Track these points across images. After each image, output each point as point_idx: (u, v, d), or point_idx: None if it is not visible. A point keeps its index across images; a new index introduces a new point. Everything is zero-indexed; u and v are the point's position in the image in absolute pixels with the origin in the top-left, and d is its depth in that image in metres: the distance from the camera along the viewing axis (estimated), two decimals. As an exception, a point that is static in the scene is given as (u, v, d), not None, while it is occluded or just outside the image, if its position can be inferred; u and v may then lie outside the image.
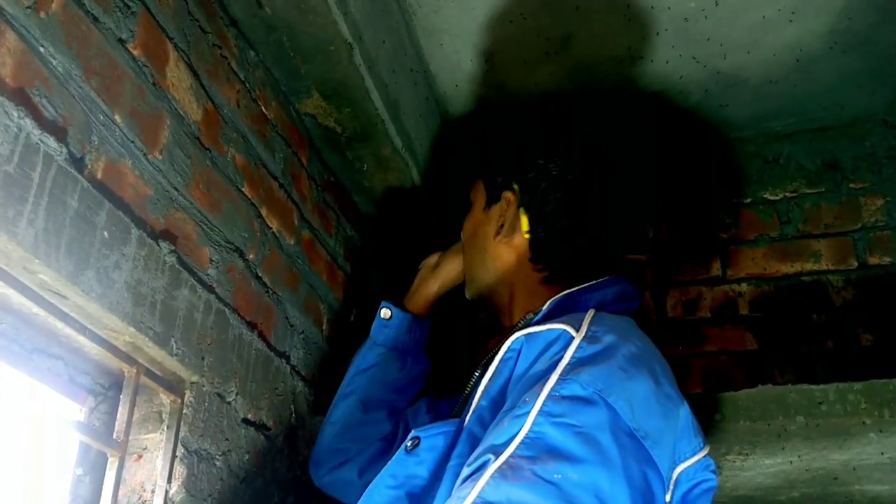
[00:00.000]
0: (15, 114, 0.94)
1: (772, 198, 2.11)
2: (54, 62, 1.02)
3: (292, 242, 1.64)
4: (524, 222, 1.37)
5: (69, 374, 1.21)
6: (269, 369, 1.51)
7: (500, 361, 1.13)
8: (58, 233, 1.00)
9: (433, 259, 1.67)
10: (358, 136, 1.76)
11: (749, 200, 2.12)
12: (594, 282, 1.30)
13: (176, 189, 1.26)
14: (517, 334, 1.13)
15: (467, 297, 1.51)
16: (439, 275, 1.63)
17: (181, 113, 1.28)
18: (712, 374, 1.96)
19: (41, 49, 1.00)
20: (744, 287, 2.03)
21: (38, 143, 0.98)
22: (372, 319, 1.61)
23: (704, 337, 2.01)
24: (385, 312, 1.59)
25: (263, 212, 1.52)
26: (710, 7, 1.76)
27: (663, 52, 1.88)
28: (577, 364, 1.03)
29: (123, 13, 1.16)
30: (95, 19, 1.10)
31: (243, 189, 1.45)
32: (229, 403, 1.37)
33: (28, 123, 0.96)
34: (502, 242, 1.39)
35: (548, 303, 1.25)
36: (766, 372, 1.90)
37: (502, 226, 1.39)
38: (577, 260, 1.35)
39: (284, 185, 1.62)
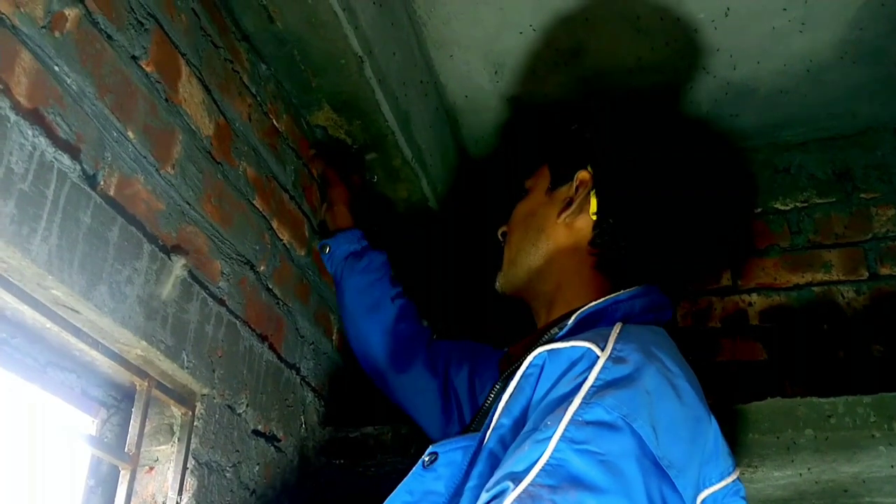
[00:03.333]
0: (30, 132, 0.96)
1: (782, 207, 2.11)
2: (68, 80, 1.04)
3: (303, 254, 1.65)
4: (593, 204, 1.35)
5: (82, 387, 1.23)
6: (279, 381, 1.52)
7: (522, 377, 1.09)
8: (71, 249, 1.01)
9: (325, 207, 1.74)
10: (368, 148, 1.77)
11: (760, 210, 2.12)
12: (624, 291, 1.27)
13: (188, 203, 1.28)
14: (540, 349, 1.09)
15: (500, 288, 1.46)
16: (336, 195, 1.72)
17: (193, 128, 1.29)
18: (722, 385, 1.96)
19: (56, 68, 1.02)
20: (754, 298, 2.03)
21: (52, 161, 0.99)
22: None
23: (715, 347, 2.01)
24: (323, 249, 1.69)
25: (274, 224, 1.54)
26: (720, 18, 1.76)
27: (672, 62, 1.89)
28: (603, 387, 1.00)
29: (137, 31, 1.17)
30: (109, 37, 1.11)
31: (254, 202, 1.47)
32: (240, 415, 1.38)
33: (42, 142, 0.98)
34: (564, 223, 1.35)
35: (573, 317, 1.22)
36: (776, 383, 1.91)
37: (569, 204, 1.36)
38: (637, 253, 1.33)
39: (295, 196, 1.63)
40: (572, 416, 0.97)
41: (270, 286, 1.52)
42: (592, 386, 1.00)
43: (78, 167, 1.04)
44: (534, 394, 1.06)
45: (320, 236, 1.72)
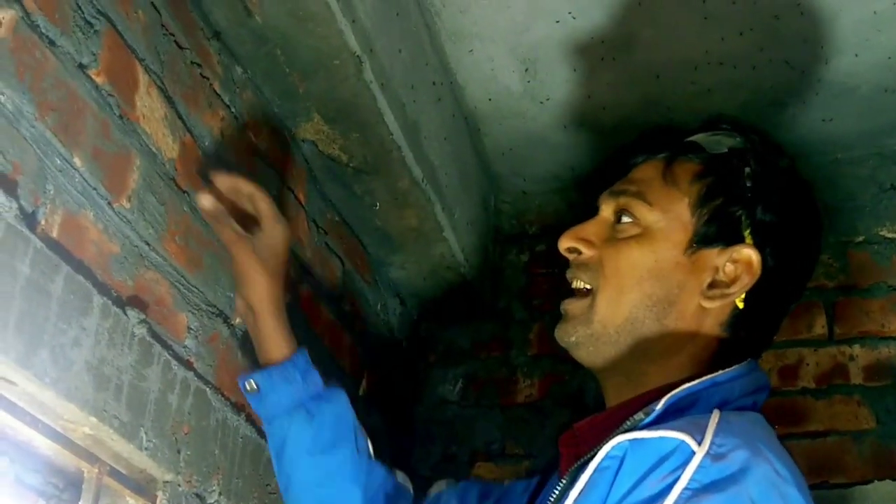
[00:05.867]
0: (-44, 166, 0.99)
1: (890, 235, 2.12)
2: (2, 98, 1.07)
3: (288, 300, 1.67)
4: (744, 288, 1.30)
5: (15, 474, 1.25)
6: (258, 461, 1.54)
7: (596, 470, 1.08)
8: (6, 307, 1.04)
9: (240, 304, 1.48)
10: (368, 167, 1.80)
11: (861, 238, 2.13)
12: (724, 372, 1.25)
13: (147, 243, 1.30)
14: (620, 438, 1.08)
15: (573, 345, 1.34)
16: (262, 304, 1.45)
17: (154, 150, 1.32)
18: (818, 462, 1.96)
19: (-13, 84, 1.05)
20: (856, 349, 2.04)
21: (-18, 199, 1.02)
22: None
23: (807, 413, 2.01)
24: (249, 385, 1.46)
25: (252, 265, 1.56)
26: (807, 2, 1.79)
27: (748, 55, 1.91)
28: (699, 490, 1.00)
29: (85, 33, 1.21)
30: (51, 43, 1.15)
31: (228, 238, 1.49)
32: (211, 506, 1.40)
33: (-29, 177, 1.01)
34: (706, 300, 1.30)
35: (663, 401, 1.19)
36: (885, 460, 1.91)
37: (721, 286, 1.29)
38: (769, 335, 1.35)
39: (278, 229, 1.66)
40: None
41: (248, 343, 1.54)
42: (686, 488, 1.01)
43: (14, 205, 1.06)
44: (610, 492, 1.06)
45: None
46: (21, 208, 1.08)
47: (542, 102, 2.03)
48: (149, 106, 1.32)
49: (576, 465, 1.20)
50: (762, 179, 1.31)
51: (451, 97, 1.99)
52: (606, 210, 1.38)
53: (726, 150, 1.34)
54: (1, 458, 1.24)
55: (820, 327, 2.08)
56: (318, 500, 1.49)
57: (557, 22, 1.85)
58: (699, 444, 1.04)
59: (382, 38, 1.64)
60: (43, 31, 1.14)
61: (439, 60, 1.91)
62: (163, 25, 1.38)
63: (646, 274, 1.30)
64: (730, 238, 1.29)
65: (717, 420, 1.09)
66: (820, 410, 2.02)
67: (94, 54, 1.22)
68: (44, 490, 1.29)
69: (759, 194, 1.30)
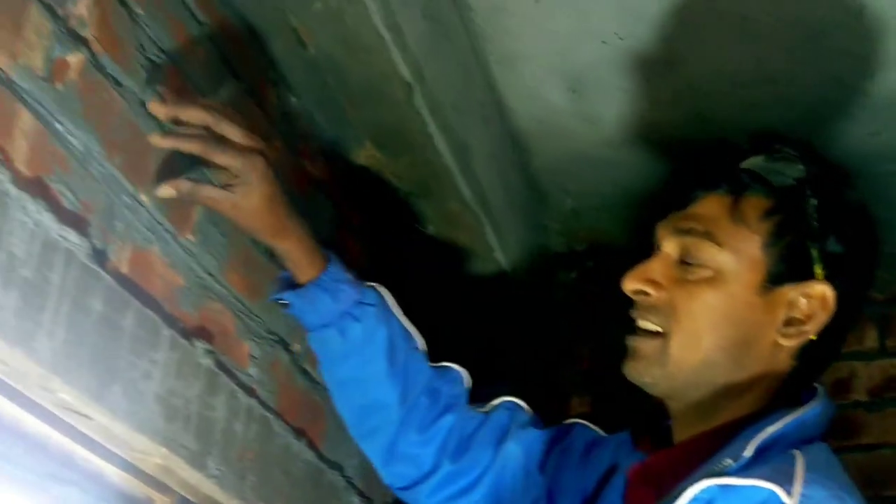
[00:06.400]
0: (32, 208, 1.02)
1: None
2: (73, 140, 1.09)
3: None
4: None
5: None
6: (320, 484, 1.56)
7: None
8: (80, 343, 1.06)
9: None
10: (419, 190, 1.82)
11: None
12: (806, 410, 1.26)
13: (210, 274, 1.33)
14: (707, 483, 1.10)
15: (647, 384, 1.34)
16: (271, 239, 1.38)
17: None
18: (870, 474, 1.95)
19: (58, 126, 1.08)
20: (909, 361, 2.03)
21: (57, 239, 1.05)
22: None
23: (860, 426, 2.00)
24: (281, 301, 1.46)
25: (310, 291, 1.58)
26: (853, 18, 1.78)
27: (793, 70, 1.90)
28: None
29: (148, 71, 1.23)
30: (117, 83, 1.17)
31: (286, 265, 1.52)
32: (275, 531, 1.42)
33: (46, 217, 1.03)
34: (782, 338, 1.30)
35: (751, 446, 1.18)
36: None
37: (795, 321, 1.30)
38: (832, 363, 1.37)
39: (332, 254, 1.68)
40: None
41: (306, 368, 1.57)
42: None
43: (86, 243, 1.09)
44: None
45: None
46: (93, 246, 1.11)
47: (589, 121, 2.03)
48: (210, 140, 1.34)
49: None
50: (829, 212, 1.31)
51: (499, 118, 2.00)
52: (670, 248, 1.35)
53: (793, 183, 1.32)
54: (72, 489, 1.26)
55: (871, 340, 2.07)
56: (357, 395, 1.51)
57: (604, 42, 1.85)
58: (789, 494, 1.06)
59: (432, 64, 1.65)
60: (109, 71, 1.16)
61: (487, 83, 1.92)
62: (222, 58, 1.40)
63: (721, 318, 1.29)
64: (801, 274, 1.29)
65: (803, 467, 1.10)
66: (872, 423, 2.01)
67: (157, 92, 1.25)
68: (114, 519, 1.32)
69: (828, 227, 1.30)
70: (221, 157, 1.25)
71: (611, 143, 2.11)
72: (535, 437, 1.57)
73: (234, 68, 1.43)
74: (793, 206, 1.31)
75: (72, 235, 1.07)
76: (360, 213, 1.81)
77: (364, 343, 1.47)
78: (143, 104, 1.22)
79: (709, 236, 1.31)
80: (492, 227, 1.94)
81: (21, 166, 1.02)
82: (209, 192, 1.27)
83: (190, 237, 1.29)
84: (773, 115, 2.00)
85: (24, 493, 1.18)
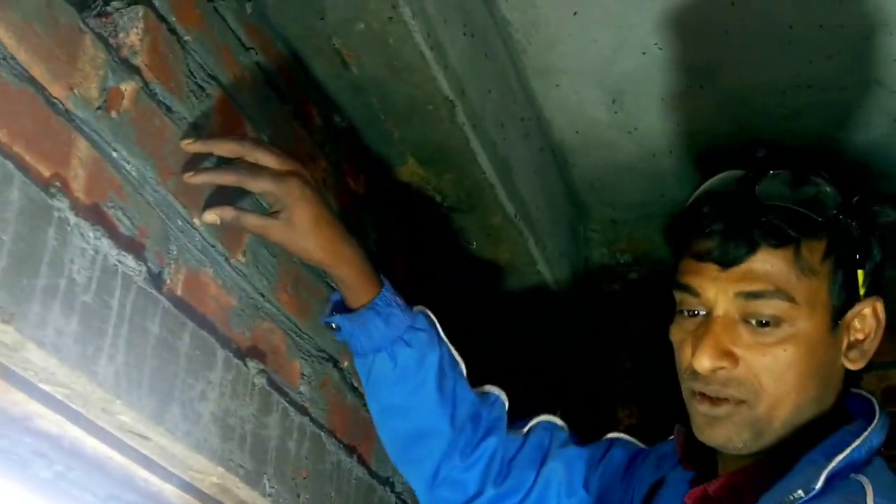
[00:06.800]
0: (91, 234, 1.04)
1: None
2: (128, 167, 1.12)
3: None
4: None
5: (145, 523, 1.30)
6: (371, 501, 1.57)
7: None
8: (139, 366, 1.08)
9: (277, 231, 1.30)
10: (462, 205, 1.83)
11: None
12: (873, 431, 1.23)
13: (261, 294, 1.35)
14: None
15: (740, 451, 1.28)
16: (323, 261, 1.36)
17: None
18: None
19: (114, 154, 1.10)
20: (963, 366, 2.01)
21: (115, 265, 1.07)
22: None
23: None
24: (334, 324, 1.45)
25: (357, 308, 1.60)
26: (894, 23, 1.77)
27: (837, 77, 1.90)
28: None
29: (198, 97, 1.25)
30: (168, 109, 1.20)
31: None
32: (329, 547, 1.43)
33: (105, 244, 1.05)
34: (850, 363, 1.28)
35: (822, 477, 1.16)
36: None
37: (856, 343, 1.29)
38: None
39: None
40: None
41: (355, 384, 1.58)
42: None
43: (143, 267, 1.11)
44: None
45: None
46: (149, 270, 1.13)
47: (629, 132, 2.04)
48: (258, 162, 1.36)
49: None
50: (867, 227, 1.29)
51: (539, 131, 2.01)
52: (731, 310, 1.25)
53: (834, 211, 1.26)
54: (131, 508, 1.28)
55: (920, 344, 2.05)
56: (404, 422, 1.50)
57: (644, 53, 1.86)
58: None
59: (473, 81, 1.67)
60: (160, 98, 1.19)
61: (526, 96, 1.93)
62: (268, 82, 1.42)
63: (805, 371, 1.24)
64: (854, 298, 1.27)
65: (872, 497, 1.11)
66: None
67: (206, 117, 1.27)
68: (172, 537, 1.34)
69: (868, 248, 1.28)
70: (255, 185, 1.25)
71: (652, 154, 2.12)
72: (576, 455, 1.57)
73: (280, 90, 1.45)
74: (842, 236, 1.27)
75: (129, 260, 1.09)
76: (403, 230, 1.83)
77: (415, 369, 1.46)
78: (195, 128, 1.24)
79: (781, 295, 1.23)
80: (534, 240, 1.95)
81: (79, 194, 1.04)
82: (252, 220, 1.27)
83: (241, 258, 1.31)
84: (815, 121, 2.00)
85: (85, 514, 1.20)
